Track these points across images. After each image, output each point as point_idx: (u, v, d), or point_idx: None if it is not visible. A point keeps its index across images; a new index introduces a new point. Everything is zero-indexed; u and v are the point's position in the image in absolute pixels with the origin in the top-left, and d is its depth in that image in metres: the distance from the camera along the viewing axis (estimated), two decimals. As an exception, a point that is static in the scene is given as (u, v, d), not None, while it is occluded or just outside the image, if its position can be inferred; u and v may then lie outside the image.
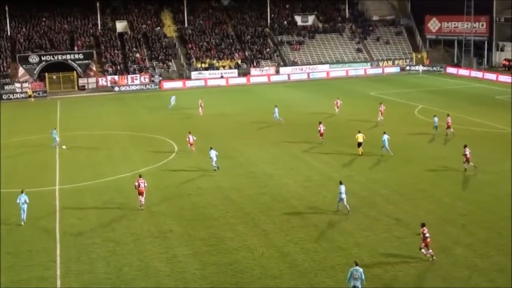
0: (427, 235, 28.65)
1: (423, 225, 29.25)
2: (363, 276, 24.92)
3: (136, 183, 37.54)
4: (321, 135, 53.11)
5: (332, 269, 28.32)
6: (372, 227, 33.26)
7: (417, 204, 37.06)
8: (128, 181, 42.83)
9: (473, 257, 29.25)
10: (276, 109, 62.95)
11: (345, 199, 35.52)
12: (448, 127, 54.49)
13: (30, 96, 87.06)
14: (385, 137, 48.44)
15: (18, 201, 35.26)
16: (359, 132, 49.63)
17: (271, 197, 39.15)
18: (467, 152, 43.17)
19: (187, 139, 50.85)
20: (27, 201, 35.32)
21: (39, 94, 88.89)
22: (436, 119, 55.93)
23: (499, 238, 31.42)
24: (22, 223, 35.04)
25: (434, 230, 32.65)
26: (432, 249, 28.76)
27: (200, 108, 69.94)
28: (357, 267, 25.06)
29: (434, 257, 28.69)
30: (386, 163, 46.39)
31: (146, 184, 37.67)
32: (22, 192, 35.76)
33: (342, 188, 35.65)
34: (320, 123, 53.76)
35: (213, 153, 45.71)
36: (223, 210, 36.82)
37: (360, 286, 24.86)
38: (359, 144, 48.80)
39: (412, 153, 49.31)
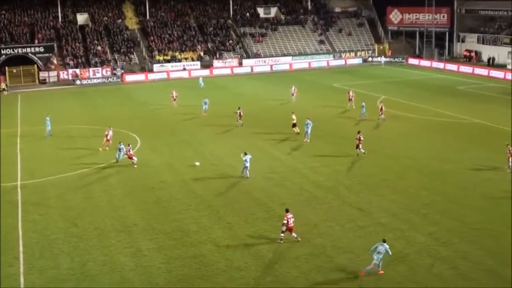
0: (285, 221, 30.02)
1: (287, 210, 30.60)
2: (389, 252, 26.69)
3: (125, 149, 44.98)
4: (240, 117, 57.59)
5: (296, 260, 28.42)
6: (336, 217, 33.48)
7: (381, 194, 37.39)
8: (90, 175, 42.52)
9: (436, 245, 29.66)
10: (207, 100, 64.03)
11: (248, 168, 40.83)
12: (381, 112, 57.79)
13: (4, 90, 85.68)
14: (308, 121, 50.69)
15: None
16: (293, 113, 53.50)
17: (235, 190, 39.12)
18: (361, 138, 45.75)
19: (107, 133, 50.21)
20: None
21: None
22: (363, 103, 59.90)
23: (461, 226, 31.94)
24: None
25: (398, 219, 33.13)
26: (395, 238, 29.02)
27: (173, 99, 69.63)
28: (384, 243, 26.60)
29: (299, 239, 30.28)
30: (352, 155, 46.60)
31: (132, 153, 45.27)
32: None
33: (247, 157, 40.81)
34: (239, 108, 58.21)
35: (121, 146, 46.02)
36: (187, 203, 36.67)
37: (376, 259, 26.32)
38: (294, 125, 52.66)
39: (378, 144, 49.66)
